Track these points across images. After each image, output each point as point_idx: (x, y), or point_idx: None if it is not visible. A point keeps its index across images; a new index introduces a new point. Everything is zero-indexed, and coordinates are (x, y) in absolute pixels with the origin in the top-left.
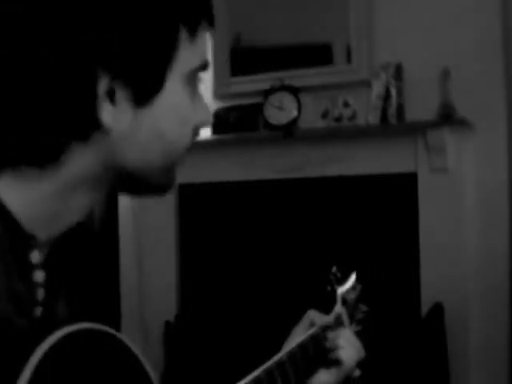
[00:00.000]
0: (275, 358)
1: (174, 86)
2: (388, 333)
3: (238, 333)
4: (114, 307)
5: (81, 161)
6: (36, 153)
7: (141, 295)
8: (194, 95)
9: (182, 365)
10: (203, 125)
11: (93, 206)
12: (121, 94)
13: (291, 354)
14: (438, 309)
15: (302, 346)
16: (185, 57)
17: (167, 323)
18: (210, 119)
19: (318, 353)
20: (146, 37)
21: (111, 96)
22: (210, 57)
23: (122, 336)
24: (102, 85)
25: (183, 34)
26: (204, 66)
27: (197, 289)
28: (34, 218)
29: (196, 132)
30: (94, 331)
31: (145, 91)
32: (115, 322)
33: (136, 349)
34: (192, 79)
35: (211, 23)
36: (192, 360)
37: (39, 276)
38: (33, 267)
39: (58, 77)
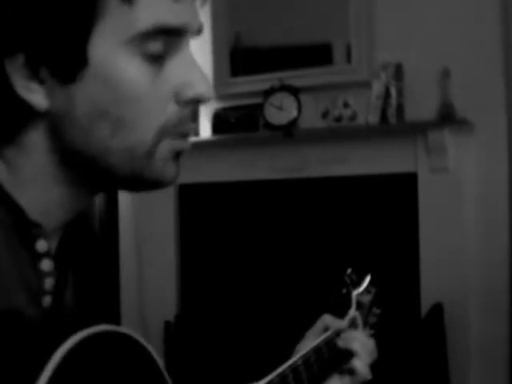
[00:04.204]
0: (289, 362)
1: (107, 56)
2: (388, 333)
3: (239, 333)
4: (113, 307)
5: (36, 145)
6: None
7: (141, 295)
8: (160, 64)
9: (182, 365)
10: (192, 98)
11: (79, 203)
12: (44, 71)
13: (305, 359)
14: (437, 309)
15: (316, 351)
16: (117, 23)
17: (167, 323)
18: (202, 90)
19: (333, 358)
20: (52, 4)
21: (37, 74)
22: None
23: (140, 338)
24: (14, 63)
25: None
26: (163, 30)
27: (197, 289)
28: (35, 206)
29: (188, 105)
30: (113, 333)
31: (65, 66)
32: (115, 322)
33: (154, 351)
34: (144, 45)
35: None
36: (192, 360)
37: (46, 265)
38: (40, 256)
39: None
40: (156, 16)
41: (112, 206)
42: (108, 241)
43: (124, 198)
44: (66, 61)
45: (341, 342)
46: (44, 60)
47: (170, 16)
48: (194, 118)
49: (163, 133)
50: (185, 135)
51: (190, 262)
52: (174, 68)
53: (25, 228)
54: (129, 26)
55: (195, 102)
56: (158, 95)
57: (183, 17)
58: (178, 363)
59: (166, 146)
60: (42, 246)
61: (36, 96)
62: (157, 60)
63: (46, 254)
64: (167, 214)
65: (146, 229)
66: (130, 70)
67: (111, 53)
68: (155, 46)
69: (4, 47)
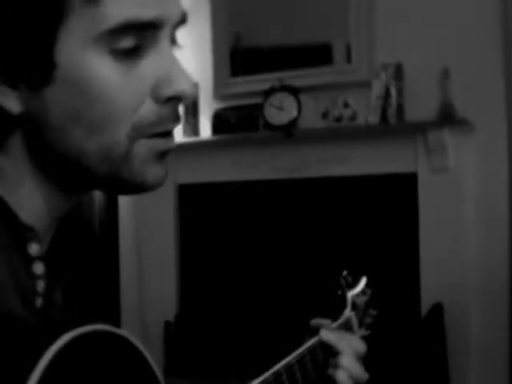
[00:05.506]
0: (284, 361)
1: (75, 57)
2: (388, 333)
3: (239, 333)
4: (113, 307)
5: (16, 149)
6: None
7: (141, 295)
8: (134, 60)
9: (182, 365)
10: (171, 95)
11: (67, 203)
12: (14, 78)
13: (300, 357)
14: (437, 309)
15: (310, 350)
16: (83, 22)
17: (167, 323)
18: (183, 87)
19: (326, 358)
20: (15, 10)
21: (8, 79)
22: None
23: (133, 338)
24: None
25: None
26: (134, 25)
27: (197, 289)
28: (25, 210)
29: (168, 104)
30: (104, 333)
31: (33, 72)
32: (115, 322)
33: (146, 352)
34: (114, 42)
35: None
36: (192, 360)
37: (39, 268)
38: (32, 259)
39: None
40: (125, 11)
41: (112, 206)
42: (108, 241)
43: (124, 198)
44: (34, 66)
45: (329, 371)
46: (12, 66)
47: (142, 9)
48: (177, 116)
49: (137, 132)
50: (166, 134)
51: (190, 262)
52: (151, 63)
53: (18, 232)
54: (96, 24)
55: (176, 100)
56: (131, 93)
57: (158, 9)
58: (177, 363)
59: (144, 146)
60: (34, 249)
61: (9, 101)
62: (130, 56)
63: (39, 257)
64: (167, 214)
65: (146, 229)
66: (100, 69)
67: (79, 53)
68: (127, 42)
69: None
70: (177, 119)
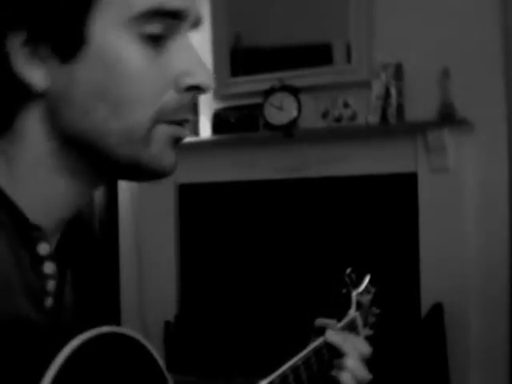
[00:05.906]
0: (290, 363)
1: (106, 36)
2: (388, 333)
3: (239, 333)
4: (113, 307)
5: (32, 132)
6: None
7: (141, 295)
8: (160, 48)
9: (182, 365)
10: (192, 85)
11: (80, 197)
12: (45, 49)
13: (306, 359)
14: (437, 309)
15: (316, 352)
16: (115, 4)
17: (167, 323)
18: (203, 79)
19: (331, 359)
20: None
21: (38, 52)
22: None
23: (141, 338)
24: (15, 41)
25: None
26: (159, 12)
27: (197, 289)
28: (35, 203)
29: (187, 92)
30: (114, 334)
31: (65, 45)
32: (115, 322)
33: (154, 351)
34: (142, 27)
35: None
36: (192, 360)
37: (49, 268)
38: (42, 259)
39: None
40: None
41: (112, 206)
42: (108, 241)
43: (124, 198)
44: (67, 37)
45: (333, 372)
46: (45, 36)
47: None
48: (194, 109)
49: (160, 116)
50: (183, 123)
51: (190, 262)
52: (174, 54)
53: (26, 231)
54: (126, 8)
55: (195, 90)
56: (156, 78)
57: (181, 1)
58: (177, 363)
59: (163, 131)
60: (43, 248)
61: (36, 75)
62: (156, 43)
63: (48, 257)
64: (167, 214)
65: (146, 229)
66: (129, 50)
67: (110, 33)
68: (153, 28)
69: (7, 24)
70: (194, 111)
